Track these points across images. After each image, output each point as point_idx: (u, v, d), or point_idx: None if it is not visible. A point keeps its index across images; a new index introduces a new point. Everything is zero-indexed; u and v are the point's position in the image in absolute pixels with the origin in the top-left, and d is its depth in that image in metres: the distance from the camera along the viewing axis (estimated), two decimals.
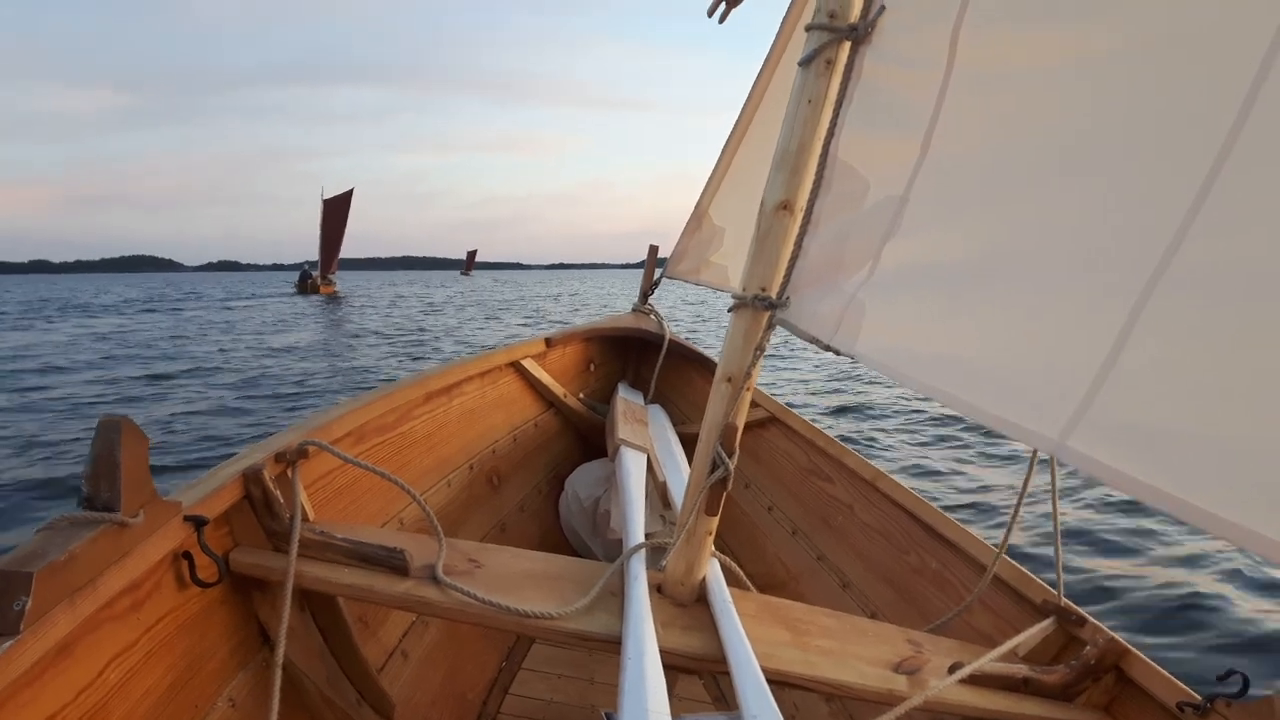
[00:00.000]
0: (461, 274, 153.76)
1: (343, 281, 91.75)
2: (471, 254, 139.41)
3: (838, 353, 1.43)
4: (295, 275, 52.92)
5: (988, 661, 1.55)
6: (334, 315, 29.77)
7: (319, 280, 53.63)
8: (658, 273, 3.94)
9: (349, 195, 52.46)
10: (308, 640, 1.77)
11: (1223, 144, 0.81)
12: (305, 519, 1.71)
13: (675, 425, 3.53)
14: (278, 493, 1.67)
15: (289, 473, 1.75)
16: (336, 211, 52.80)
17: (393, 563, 1.66)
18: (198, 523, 1.50)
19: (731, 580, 1.79)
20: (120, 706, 1.30)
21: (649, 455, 2.88)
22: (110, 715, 1.28)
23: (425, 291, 61.03)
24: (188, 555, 1.50)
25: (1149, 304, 0.87)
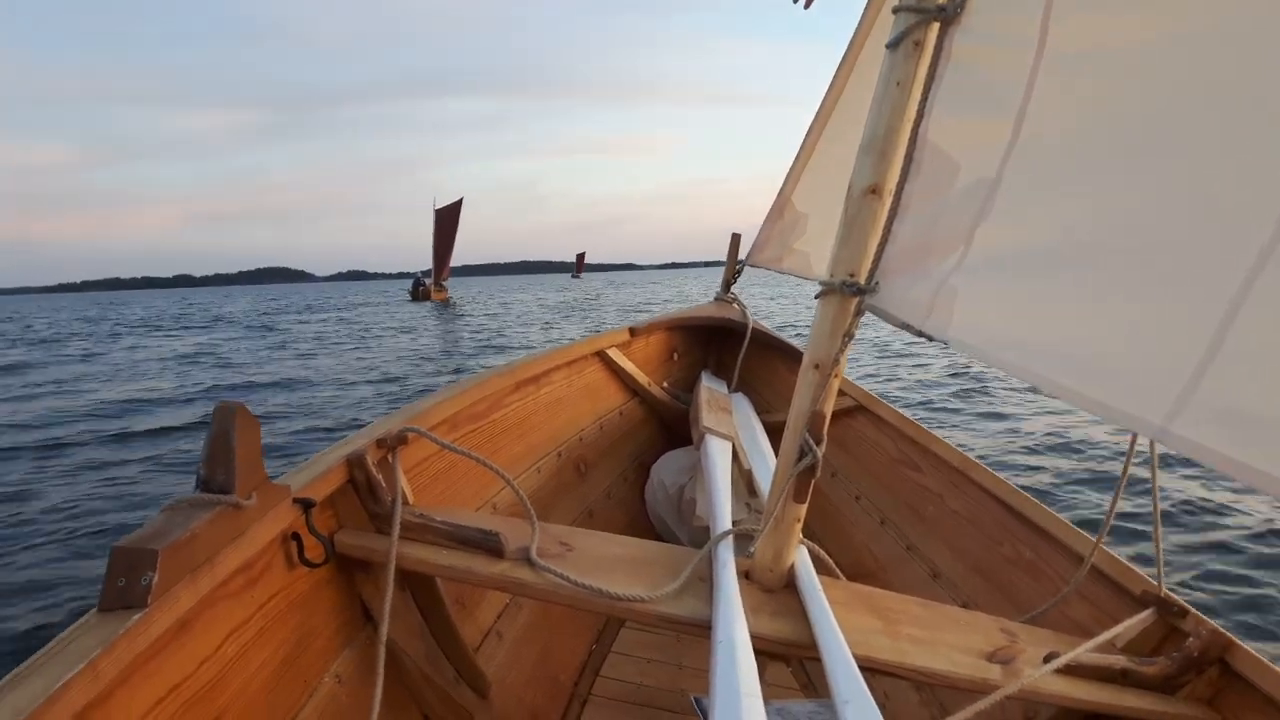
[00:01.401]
0: (572, 276, 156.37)
1: (456, 289, 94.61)
2: (580, 256, 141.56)
3: (930, 338, 1.41)
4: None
5: (1085, 651, 1.51)
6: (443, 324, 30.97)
7: (431, 288, 55.53)
8: (740, 261, 3.93)
9: (459, 205, 54.14)
10: (408, 619, 1.85)
11: None
12: (405, 502, 1.77)
13: (759, 414, 3.52)
14: (380, 477, 1.74)
15: (390, 458, 1.83)
16: (447, 220, 54.56)
17: (489, 545, 1.71)
18: (305, 505, 1.57)
19: (820, 568, 1.79)
20: (237, 679, 1.37)
21: (734, 443, 2.88)
22: (228, 687, 1.35)
23: (540, 295, 62.04)
24: (296, 536, 1.58)
25: (1256, 284, 0.84)
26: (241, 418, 1.38)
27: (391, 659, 1.79)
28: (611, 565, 1.75)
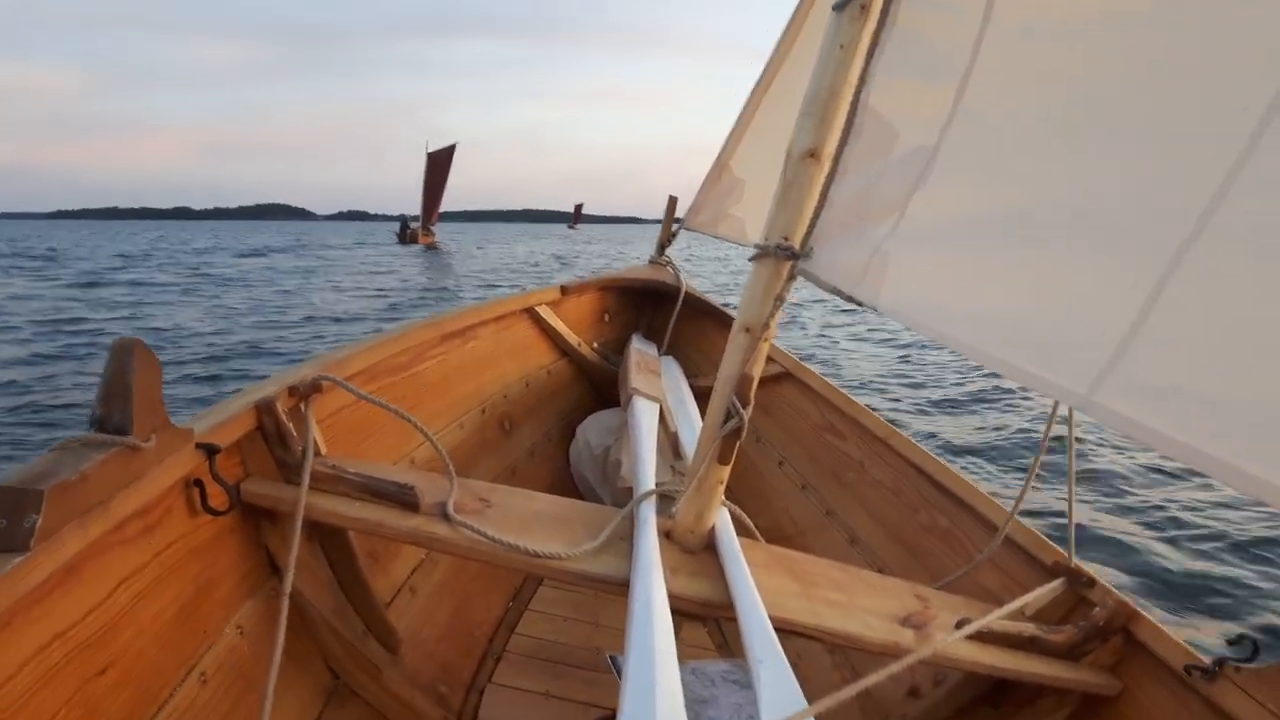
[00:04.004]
0: (569, 227, 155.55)
1: (451, 234, 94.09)
2: (578, 207, 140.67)
3: (860, 304, 1.41)
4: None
5: (995, 619, 1.53)
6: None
7: (418, 231, 55.50)
8: (677, 223, 3.91)
9: (451, 149, 53.88)
10: (316, 571, 1.80)
11: (1269, 102, 0.78)
12: (317, 452, 1.72)
13: (689, 378, 3.52)
14: (290, 425, 1.68)
15: (302, 406, 1.77)
16: (439, 165, 54.27)
17: (403, 498, 1.67)
18: (210, 450, 1.51)
19: (741, 530, 1.79)
20: (129, 628, 1.32)
21: (661, 405, 2.88)
22: (119, 636, 1.29)
23: (532, 247, 61.43)
24: (199, 483, 1.52)
25: (1184, 262, 0.85)
26: (141, 354, 1.31)
27: (299, 612, 1.76)
28: (531, 522, 1.73)
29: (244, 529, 1.69)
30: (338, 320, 14.52)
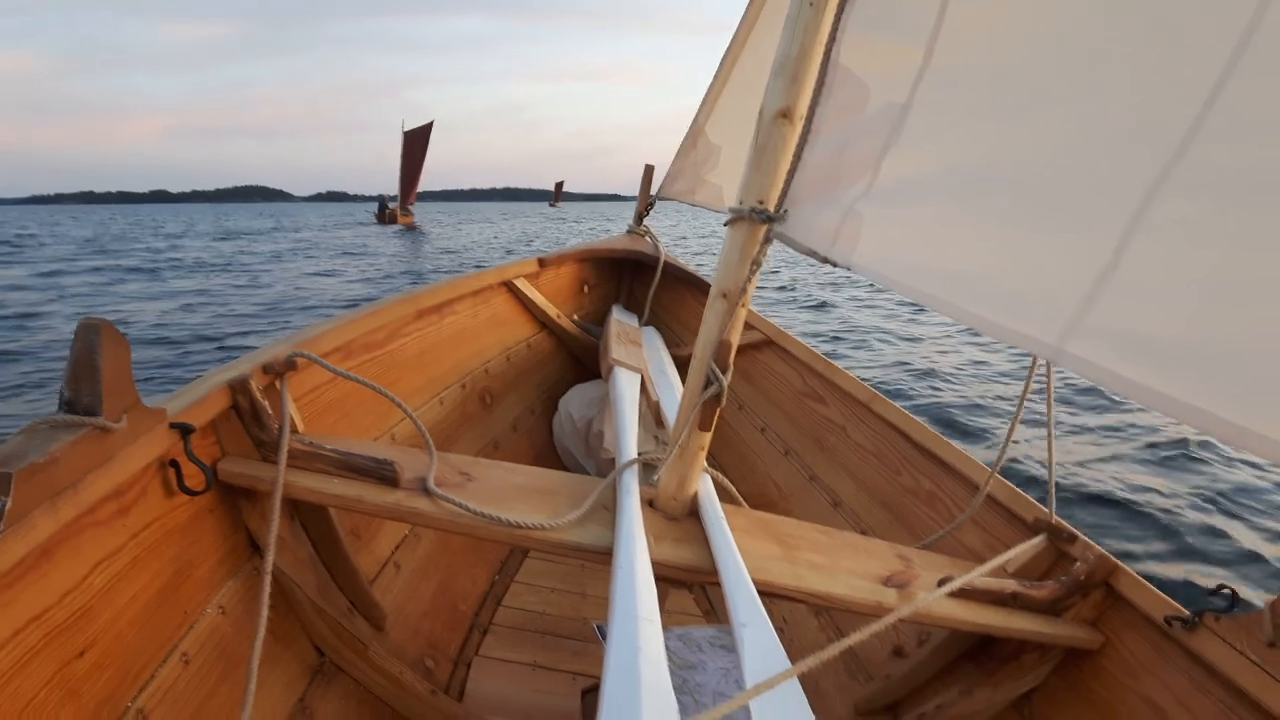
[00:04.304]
0: (550, 205, 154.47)
1: (433, 213, 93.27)
2: (559, 185, 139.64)
3: (835, 264, 1.41)
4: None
5: (977, 576, 1.56)
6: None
7: (397, 211, 54.98)
8: (653, 195, 3.89)
9: (429, 128, 52.94)
10: (297, 549, 1.80)
11: (1235, 45, 0.78)
12: (294, 430, 1.71)
13: (670, 347, 3.52)
14: (265, 403, 1.67)
15: (277, 384, 1.76)
16: (416, 143, 53.39)
17: (382, 473, 1.66)
18: (184, 430, 1.50)
19: (724, 496, 1.80)
20: (106, 610, 1.31)
21: (643, 376, 2.88)
22: (97, 618, 1.29)
23: (515, 224, 60.70)
24: (174, 463, 1.50)
25: (1149, 211, 0.86)
26: (108, 335, 1.28)
27: (281, 590, 1.75)
28: (513, 495, 1.73)
29: (222, 509, 1.68)
30: (306, 308, 13.71)
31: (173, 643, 1.48)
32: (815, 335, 10.93)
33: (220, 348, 10.00)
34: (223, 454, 1.68)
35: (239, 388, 1.65)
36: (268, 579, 1.49)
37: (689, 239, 36.14)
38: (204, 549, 1.61)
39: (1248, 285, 0.77)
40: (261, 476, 1.63)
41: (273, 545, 1.54)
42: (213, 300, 14.50)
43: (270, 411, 1.68)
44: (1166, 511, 4.86)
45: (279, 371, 1.77)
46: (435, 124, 52.86)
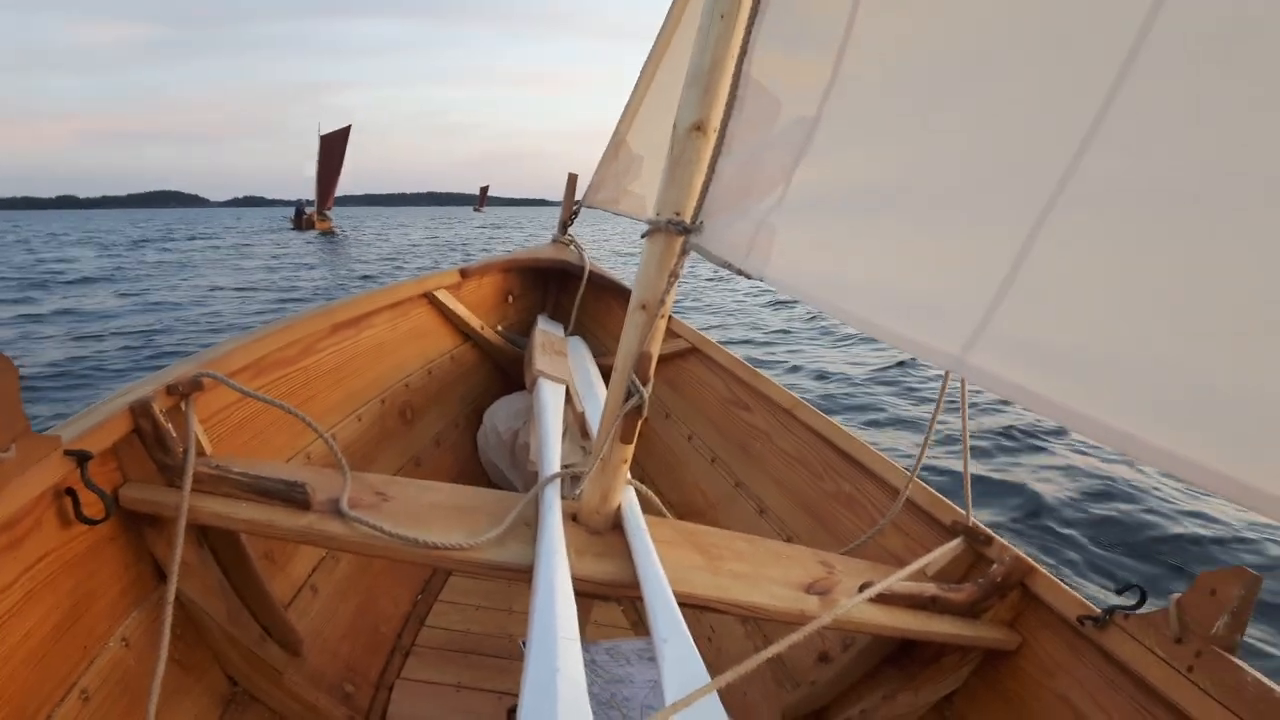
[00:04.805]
0: (475, 210, 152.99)
1: (353, 218, 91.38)
2: (484, 189, 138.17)
3: (748, 276, 1.42)
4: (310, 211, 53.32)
5: (896, 580, 1.58)
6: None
7: (314, 216, 53.55)
8: (577, 202, 3.88)
9: (346, 131, 51.74)
10: (206, 576, 1.73)
11: (1126, 56, 0.79)
12: (201, 453, 1.65)
13: (596, 357, 3.50)
14: (169, 426, 1.60)
15: (182, 405, 1.69)
16: (334, 147, 52.09)
17: (293, 496, 1.61)
18: (81, 457, 1.43)
19: (648, 508, 1.80)
20: None
21: (568, 386, 2.86)
22: None
23: (431, 232, 59.74)
24: (71, 492, 1.44)
25: (1048, 220, 0.87)
26: None
27: (190, 619, 1.69)
28: (431, 513, 1.69)
29: (125, 537, 1.61)
30: (210, 331, 12.04)
31: (71, 680, 1.41)
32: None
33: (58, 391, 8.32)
34: (125, 480, 1.61)
35: (140, 410, 1.58)
36: (170, 608, 1.43)
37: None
38: (105, 579, 1.54)
39: (1145, 296, 0.78)
40: (166, 502, 1.56)
41: (176, 572, 1.48)
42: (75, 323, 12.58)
43: (174, 434, 1.61)
44: (1080, 505, 5.06)
45: (184, 392, 1.70)
46: (354, 128, 51.90)
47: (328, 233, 49.72)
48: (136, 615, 1.60)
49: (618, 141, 3.27)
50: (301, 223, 53.42)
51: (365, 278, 18.78)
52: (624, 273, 3.83)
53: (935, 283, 1.04)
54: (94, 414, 1.55)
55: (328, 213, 55.59)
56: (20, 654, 1.30)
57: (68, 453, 1.42)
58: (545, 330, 3.56)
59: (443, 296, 3.35)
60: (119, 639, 1.54)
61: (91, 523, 1.47)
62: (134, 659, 1.55)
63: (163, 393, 1.66)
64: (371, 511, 1.64)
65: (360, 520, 1.58)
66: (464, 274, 3.51)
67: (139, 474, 1.63)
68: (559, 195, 4.05)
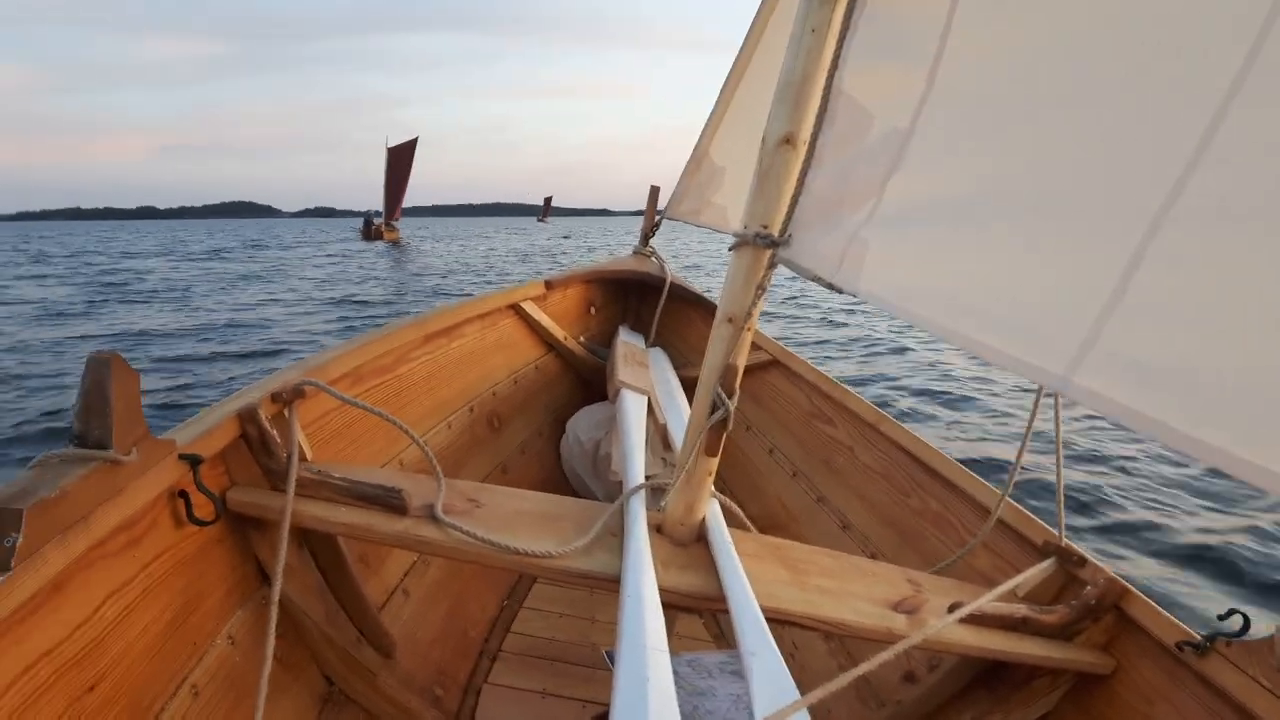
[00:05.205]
0: (538, 220, 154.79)
1: (420, 229, 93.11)
2: (548, 200, 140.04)
3: (840, 290, 1.40)
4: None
5: (987, 601, 1.54)
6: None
7: (382, 227, 55.33)
8: (659, 214, 3.89)
9: (413, 144, 53.64)
10: (306, 578, 1.79)
11: (1238, 71, 0.77)
12: (303, 458, 1.71)
13: (677, 368, 3.52)
14: (274, 432, 1.67)
15: (285, 412, 1.76)
16: (400, 159, 53.99)
17: (390, 501, 1.66)
18: (193, 461, 1.50)
19: (731, 521, 1.79)
20: (118, 642, 1.32)
21: (650, 398, 2.88)
22: (107, 652, 1.29)
23: (503, 241, 60.42)
24: (184, 494, 1.51)
25: (1157, 236, 0.84)
26: (117, 368, 1.29)
27: (291, 620, 1.76)
28: (520, 521, 1.72)
29: (232, 539, 1.68)
30: (276, 350, 11.24)
31: (183, 674, 1.47)
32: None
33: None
34: (231, 483, 1.68)
35: (247, 417, 1.65)
36: (274, 609, 1.49)
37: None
38: (213, 579, 1.61)
39: (1259, 314, 0.75)
40: (270, 506, 1.63)
41: (280, 574, 1.53)
42: (159, 335, 12.67)
43: (279, 440, 1.68)
44: (1179, 530, 4.84)
45: (287, 400, 1.77)
46: (420, 140, 53.29)
47: (395, 243, 51.09)
48: (241, 614, 1.67)
49: (700, 153, 3.27)
50: (370, 233, 55.10)
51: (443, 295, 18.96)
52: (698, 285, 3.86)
53: (1036, 298, 1.01)
54: (204, 420, 1.63)
55: (395, 223, 57.19)
56: (138, 648, 1.37)
57: (181, 456, 1.49)
58: (627, 341, 3.59)
59: (529, 308, 3.41)
60: (225, 637, 1.60)
61: (202, 524, 1.55)
62: (239, 656, 1.62)
63: (268, 400, 1.73)
64: (464, 518, 1.68)
65: (454, 526, 1.62)
66: (549, 285, 3.57)
67: (245, 478, 1.70)
68: (620, 205, 4.10)
